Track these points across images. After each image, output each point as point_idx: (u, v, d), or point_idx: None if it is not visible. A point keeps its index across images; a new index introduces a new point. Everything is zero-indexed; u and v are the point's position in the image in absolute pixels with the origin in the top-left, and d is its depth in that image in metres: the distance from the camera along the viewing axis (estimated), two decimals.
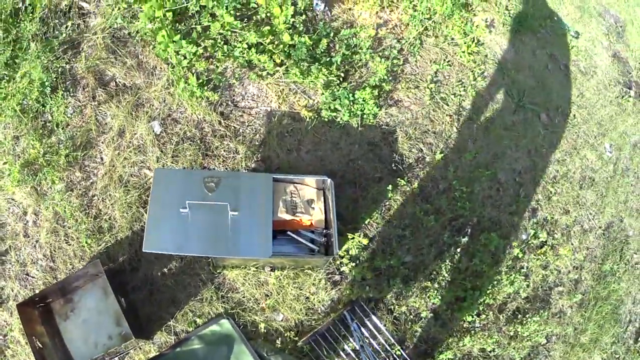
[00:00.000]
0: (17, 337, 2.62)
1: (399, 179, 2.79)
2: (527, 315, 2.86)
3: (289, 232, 2.51)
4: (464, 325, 2.93)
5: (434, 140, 2.90)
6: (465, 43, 3.10)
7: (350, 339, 2.70)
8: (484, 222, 2.91)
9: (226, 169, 2.63)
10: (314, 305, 2.62)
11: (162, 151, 2.68)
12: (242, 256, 2.33)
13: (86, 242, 2.67)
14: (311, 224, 2.51)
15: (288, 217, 2.48)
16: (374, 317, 2.71)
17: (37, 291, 2.71)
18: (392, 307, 2.71)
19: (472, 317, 2.86)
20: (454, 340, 2.90)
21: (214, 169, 2.63)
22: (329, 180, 2.42)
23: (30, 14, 2.87)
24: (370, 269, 2.68)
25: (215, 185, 2.35)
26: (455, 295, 2.85)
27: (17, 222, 2.84)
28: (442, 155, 2.93)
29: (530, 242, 3.02)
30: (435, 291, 2.80)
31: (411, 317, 2.81)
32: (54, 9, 2.85)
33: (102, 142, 2.75)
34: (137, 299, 2.62)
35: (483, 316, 2.83)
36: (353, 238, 2.59)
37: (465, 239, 2.86)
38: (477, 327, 2.92)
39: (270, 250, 2.21)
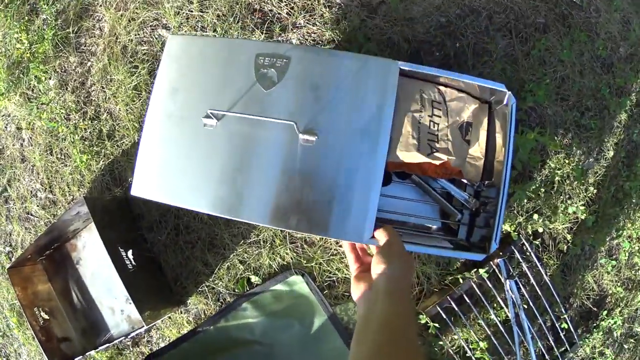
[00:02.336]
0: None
1: (572, 29, 0.92)
2: None
3: (414, 177, 0.82)
4: (639, 273, 1.30)
5: None
6: None
7: (502, 303, 0.90)
8: None
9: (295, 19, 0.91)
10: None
11: None
12: (312, 233, 0.70)
13: (81, 161, 0.98)
14: (459, 172, 0.79)
15: (419, 157, 0.76)
16: (539, 266, 0.91)
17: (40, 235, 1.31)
18: (566, 246, 0.93)
19: None
20: (625, 296, 1.30)
21: (274, 27, 0.89)
22: (507, 93, 0.74)
23: None
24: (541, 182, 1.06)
25: (278, 74, 0.66)
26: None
27: (15, 143, 1.26)
28: (618, 2, 1.23)
29: None
30: (623, 221, 1.22)
31: (585, 261, 1.01)
32: None
33: (101, 6, 1.03)
34: (158, 242, 0.93)
35: None
36: (523, 131, 0.78)
37: None
38: None
39: (371, 229, 0.61)
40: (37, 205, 1.40)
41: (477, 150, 0.77)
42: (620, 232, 1.23)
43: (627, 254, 1.26)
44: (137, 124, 1.18)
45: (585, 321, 1.30)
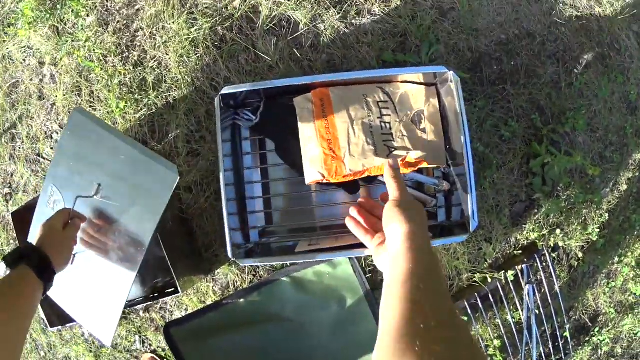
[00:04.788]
0: None
1: (609, 69, 1.09)
2: None
3: (381, 179, 0.89)
4: (629, 299, 1.46)
5: None
6: None
7: (518, 305, 1.03)
8: None
9: None
10: (481, 246, 0.96)
11: None
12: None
13: (117, 107, 0.97)
14: (422, 162, 0.82)
15: (379, 161, 0.80)
16: (554, 277, 1.05)
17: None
18: (577, 262, 1.18)
19: None
20: (615, 318, 1.45)
21: None
22: (449, 72, 0.78)
23: None
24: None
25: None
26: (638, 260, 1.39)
27: (33, 79, 1.18)
28: None
29: None
30: (624, 249, 1.38)
31: (588, 279, 1.18)
32: None
33: None
34: (195, 206, 0.97)
35: None
36: (568, 152, 0.94)
37: None
38: None
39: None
40: (51, 148, 1.32)
41: (434, 134, 0.80)
42: (622, 258, 1.40)
43: (622, 279, 1.43)
44: (190, 79, 1.16)
45: (579, 335, 1.45)
